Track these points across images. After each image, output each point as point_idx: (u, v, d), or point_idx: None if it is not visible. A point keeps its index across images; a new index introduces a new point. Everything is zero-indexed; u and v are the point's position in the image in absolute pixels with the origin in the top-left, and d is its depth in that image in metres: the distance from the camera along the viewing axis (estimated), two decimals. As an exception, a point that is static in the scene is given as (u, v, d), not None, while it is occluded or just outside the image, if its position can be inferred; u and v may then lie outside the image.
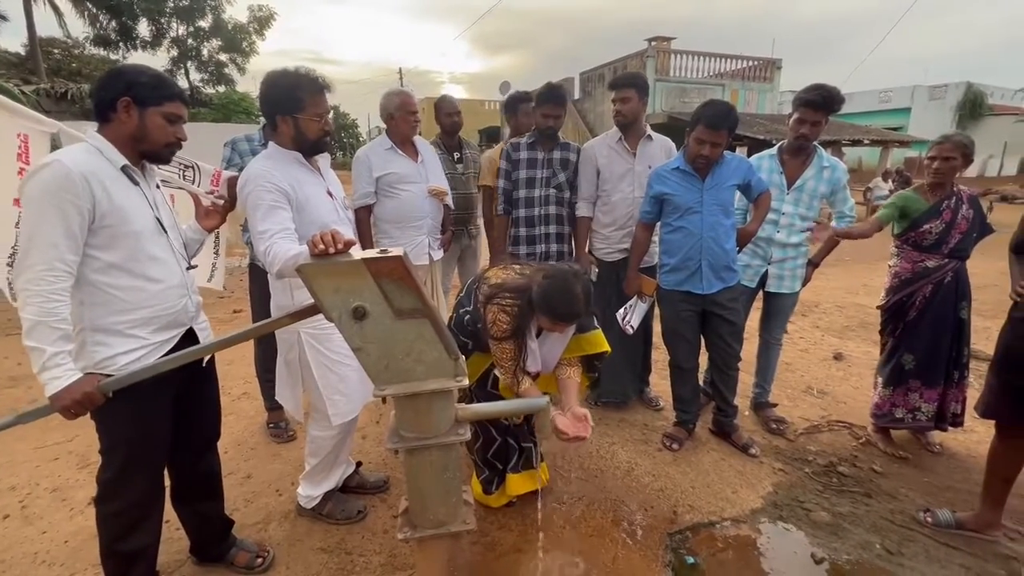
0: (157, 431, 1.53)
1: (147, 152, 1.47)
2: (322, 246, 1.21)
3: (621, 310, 2.70)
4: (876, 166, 14.92)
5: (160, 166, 2.22)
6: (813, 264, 2.80)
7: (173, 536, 1.93)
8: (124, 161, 1.41)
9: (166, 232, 1.49)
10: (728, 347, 2.57)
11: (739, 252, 2.56)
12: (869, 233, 2.55)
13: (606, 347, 1.98)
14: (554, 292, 1.66)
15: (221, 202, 1.80)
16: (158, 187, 1.57)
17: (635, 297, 2.69)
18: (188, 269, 1.57)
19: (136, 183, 1.44)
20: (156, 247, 1.45)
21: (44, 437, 2.70)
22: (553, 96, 2.71)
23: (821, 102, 2.48)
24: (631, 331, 2.70)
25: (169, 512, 1.79)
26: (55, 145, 1.89)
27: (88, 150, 1.37)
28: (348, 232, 1.84)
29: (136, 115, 1.40)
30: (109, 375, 1.37)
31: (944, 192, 2.42)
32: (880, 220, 2.55)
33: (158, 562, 1.68)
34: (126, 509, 1.53)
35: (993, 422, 1.99)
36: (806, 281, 2.82)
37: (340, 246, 1.22)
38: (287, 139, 1.77)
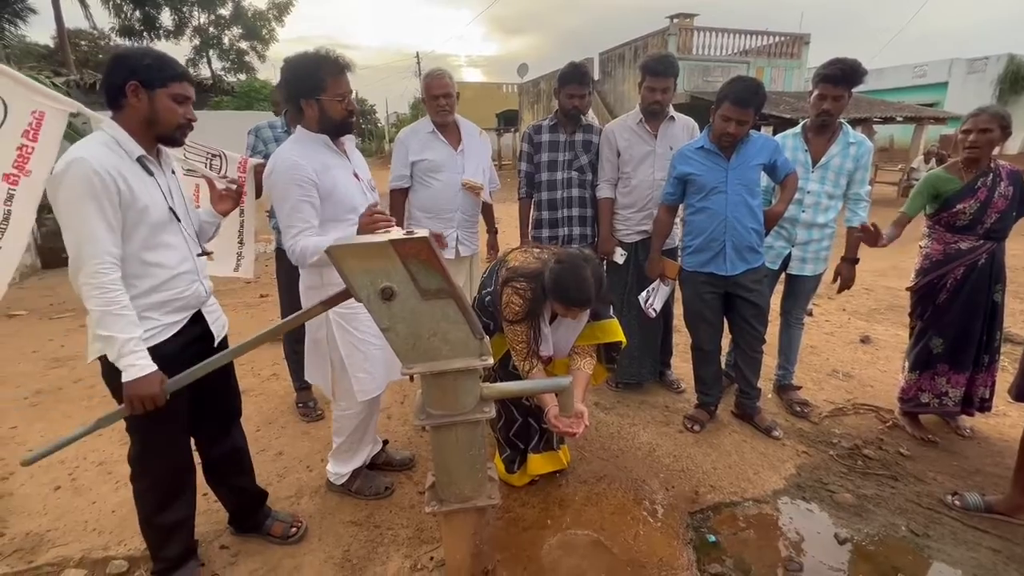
0: (173, 412, 1.56)
1: (161, 136, 1.46)
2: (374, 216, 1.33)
3: (643, 293, 2.70)
4: (909, 144, 14.31)
5: (186, 154, 2.28)
6: (852, 260, 2.65)
7: (212, 507, 2.02)
8: (140, 151, 1.42)
9: (179, 219, 1.51)
10: (753, 330, 2.55)
11: (767, 235, 2.51)
12: (898, 234, 2.46)
13: (621, 337, 1.99)
14: (565, 277, 1.68)
15: (234, 187, 1.81)
16: (172, 172, 1.58)
17: (657, 280, 2.68)
18: (199, 255, 1.59)
19: (151, 173, 1.45)
20: (169, 234, 1.48)
21: (89, 416, 2.84)
22: (578, 75, 2.66)
23: (841, 76, 2.39)
24: (654, 315, 2.69)
25: (207, 486, 1.88)
26: (76, 131, 1.92)
27: (105, 142, 1.38)
28: None
29: (146, 98, 1.39)
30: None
31: (980, 168, 2.30)
32: (907, 214, 2.45)
33: (199, 531, 1.77)
34: (156, 484, 1.61)
35: (1027, 405, 1.94)
36: (849, 282, 2.67)
37: (391, 218, 1.34)
38: (313, 122, 1.79)
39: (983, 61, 21.13)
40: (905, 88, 22.33)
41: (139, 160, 1.42)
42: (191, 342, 1.56)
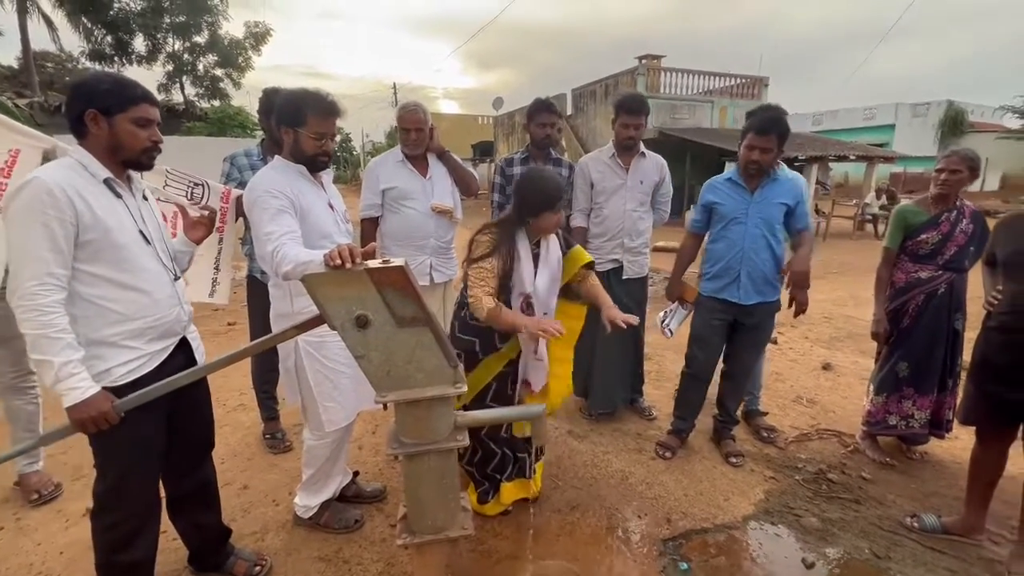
0: (151, 443, 1.53)
1: (127, 161, 1.44)
2: (339, 261, 1.23)
3: (660, 313, 2.80)
4: (862, 181, 15.18)
5: (168, 182, 2.26)
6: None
7: (171, 546, 1.93)
8: (106, 174, 1.40)
9: (152, 244, 1.48)
10: (749, 360, 2.66)
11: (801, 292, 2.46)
12: (890, 270, 2.61)
13: (589, 257, 2.17)
14: (533, 177, 1.96)
15: (206, 213, 1.80)
16: (145, 198, 1.56)
17: (676, 303, 2.77)
18: (176, 280, 1.57)
19: (119, 195, 1.43)
20: (143, 258, 1.45)
21: (39, 450, 2.69)
22: (546, 105, 2.79)
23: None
24: (670, 335, 2.78)
25: (167, 522, 1.80)
26: (47, 159, 1.92)
27: (69, 165, 1.37)
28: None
29: (106, 126, 1.38)
30: (106, 387, 1.37)
31: (947, 204, 2.47)
32: (891, 249, 2.59)
33: (157, 571, 1.68)
34: (122, 521, 1.53)
35: (974, 428, 2.05)
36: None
37: (357, 260, 1.25)
38: (287, 151, 1.82)
39: (925, 106, 22.77)
40: (857, 128, 23.81)
41: (106, 182, 1.40)
42: (177, 371, 1.50)
